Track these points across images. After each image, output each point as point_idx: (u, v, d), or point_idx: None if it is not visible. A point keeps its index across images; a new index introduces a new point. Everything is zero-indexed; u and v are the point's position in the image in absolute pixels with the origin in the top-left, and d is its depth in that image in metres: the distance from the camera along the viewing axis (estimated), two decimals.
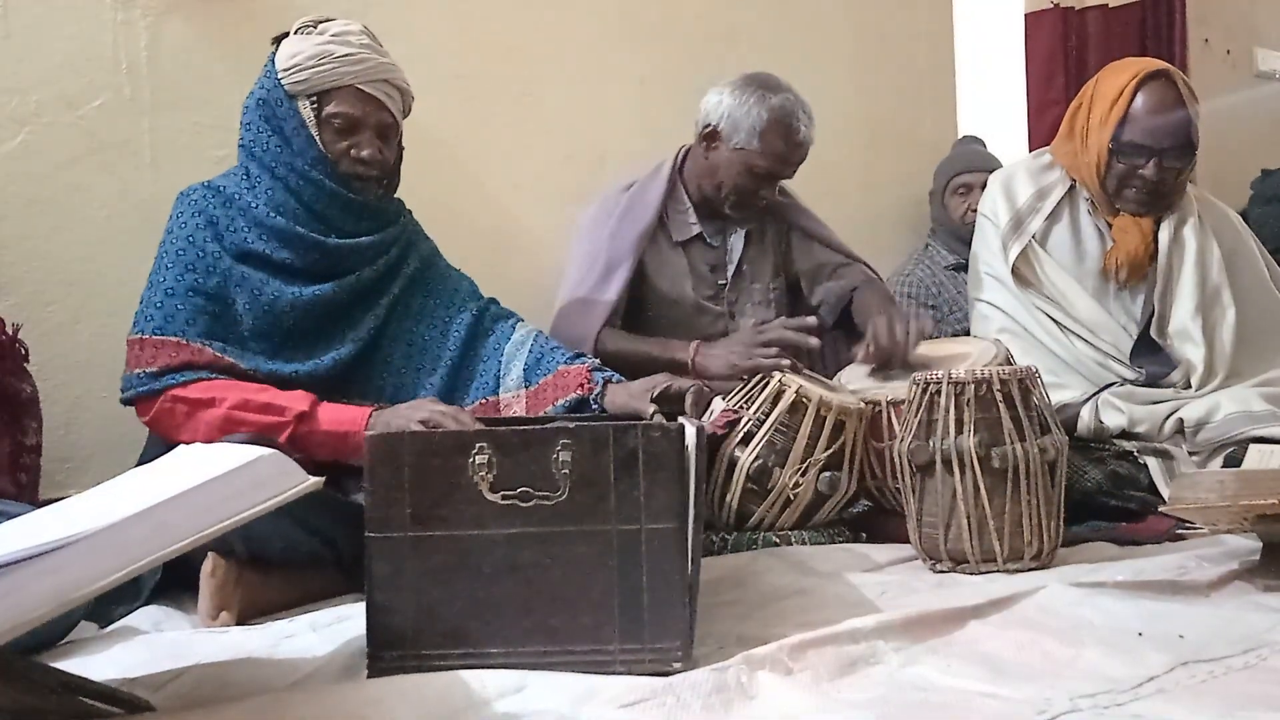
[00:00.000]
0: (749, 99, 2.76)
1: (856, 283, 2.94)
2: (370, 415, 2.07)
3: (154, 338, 2.08)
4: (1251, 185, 4.38)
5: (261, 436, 1.89)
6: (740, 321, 2.88)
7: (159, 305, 2.11)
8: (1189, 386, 2.69)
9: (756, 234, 2.94)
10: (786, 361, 2.40)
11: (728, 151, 2.79)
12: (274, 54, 2.22)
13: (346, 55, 2.21)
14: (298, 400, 2.06)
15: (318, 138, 2.20)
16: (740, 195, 2.82)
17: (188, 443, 1.84)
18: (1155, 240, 2.79)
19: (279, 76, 2.18)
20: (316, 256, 2.20)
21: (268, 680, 1.51)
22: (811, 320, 2.55)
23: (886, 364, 2.52)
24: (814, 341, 2.52)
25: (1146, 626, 1.60)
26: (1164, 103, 2.72)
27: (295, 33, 2.23)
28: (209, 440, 1.92)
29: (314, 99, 2.19)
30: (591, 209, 2.97)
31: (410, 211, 2.42)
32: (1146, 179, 2.73)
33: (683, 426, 1.56)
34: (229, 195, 2.19)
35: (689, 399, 2.11)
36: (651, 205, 2.86)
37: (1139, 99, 2.73)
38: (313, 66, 2.18)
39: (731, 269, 2.91)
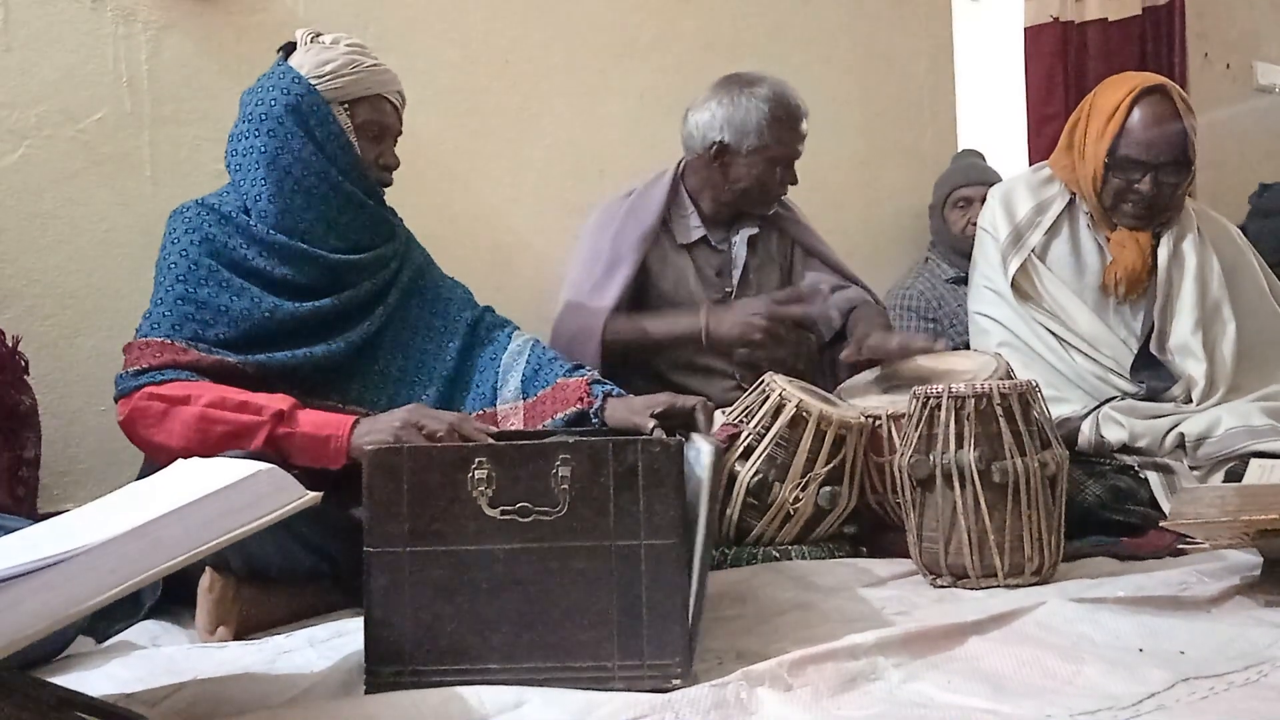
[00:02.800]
0: (741, 100, 2.78)
1: (855, 303, 2.94)
2: (354, 423, 2.00)
3: (140, 340, 2.07)
4: (1250, 199, 4.38)
5: (236, 438, 1.90)
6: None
7: (148, 315, 2.10)
8: (1189, 401, 2.69)
9: (762, 241, 2.94)
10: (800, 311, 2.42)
11: (744, 157, 2.80)
12: (284, 63, 2.20)
13: (373, 65, 2.23)
14: (277, 401, 2.00)
15: (355, 144, 2.21)
16: (765, 189, 2.84)
17: (162, 443, 1.85)
18: (1154, 255, 2.79)
19: (313, 82, 2.17)
20: (317, 272, 2.19)
21: (265, 696, 1.51)
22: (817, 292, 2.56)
23: (888, 376, 2.53)
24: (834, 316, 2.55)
25: (1147, 643, 1.60)
26: (1160, 117, 2.72)
27: (311, 42, 2.23)
28: (184, 438, 1.92)
29: (346, 106, 2.20)
30: (594, 215, 2.98)
31: (402, 220, 2.42)
32: (1143, 193, 2.73)
33: (682, 442, 1.55)
34: (224, 213, 2.16)
35: (699, 413, 2.10)
36: (654, 208, 2.87)
37: (1135, 113, 2.73)
38: (348, 74, 2.19)
39: (737, 274, 2.90)
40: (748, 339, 2.59)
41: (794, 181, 2.89)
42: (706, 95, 2.84)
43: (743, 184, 2.82)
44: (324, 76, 2.17)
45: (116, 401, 2.07)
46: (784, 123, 2.78)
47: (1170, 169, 2.73)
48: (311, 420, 2.01)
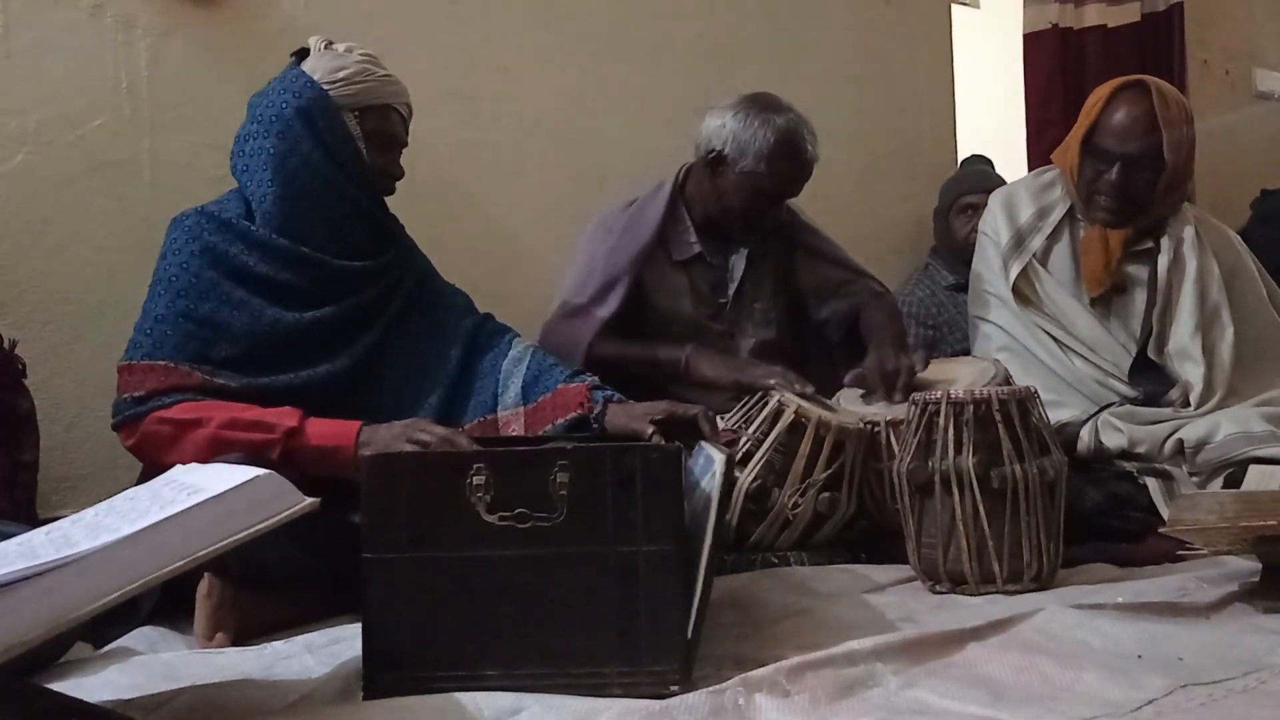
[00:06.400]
0: (754, 122, 2.75)
1: (863, 300, 2.93)
2: (359, 430, 2.04)
3: (142, 363, 2.06)
4: (1251, 205, 4.39)
5: (254, 456, 1.90)
6: (740, 342, 2.88)
7: (148, 332, 2.09)
8: (1187, 405, 2.69)
9: (758, 253, 2.94)
10: (776, 381, 2.40)
11: (735, 175, 2.78)
12: (298, 68, 2.21)
13: (385, 75, 2.25)
14: (286, 416, 2.02)
15: (364, 151, 2.21)
16: (748, 217, 2.82)
17: (175, 464, 1.85)
18: (1123, 255, 2.79)
19: (326, 88, 2.18)
20: (320, 278, 2.19)
21: (263, 702, 1.50)
22: (808, 389, 2.52)
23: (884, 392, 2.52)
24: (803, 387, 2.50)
25: (1146, 649, 1.59)
26: (1132, 110, 2.74)
27: (325, 49, 2.23)
28: (197, 461, 1.91)
29: (356, 113, 2.20)
30: (592, 225, 2.97)
31: (404, 227, 2.42)
32: (1112, 184, 2.74)
33: (680, 449, 1.55)
34: (225, 220, 2.16)
35: (701, 420, 2.10)
36: (651, 223, 2.85)
37: (1110, 105, 2.77)
38: (360, 82, 2.20)
39: (733, 288, 2.90)
40: (725, 382, 2.59)
41: (776, 219, 2.88)
42: (730, 103, 2.82)
43: (726, 201, 2.81)
44: (337, 83, 2.18)
45: (119, 428, 2.07)
46: (783, 160, 2.75)
47: (1140, 161, 2.73)
48: (319, 432, 2.03)
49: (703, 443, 1.92)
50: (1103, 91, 2.81)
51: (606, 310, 2.75)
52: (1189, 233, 2.83)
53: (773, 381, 2.39)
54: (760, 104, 2.79)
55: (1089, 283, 2.81)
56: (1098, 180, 2.76)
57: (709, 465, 1.71)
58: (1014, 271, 2.84)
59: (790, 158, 2.76)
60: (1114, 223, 2.79)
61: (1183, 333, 2.75)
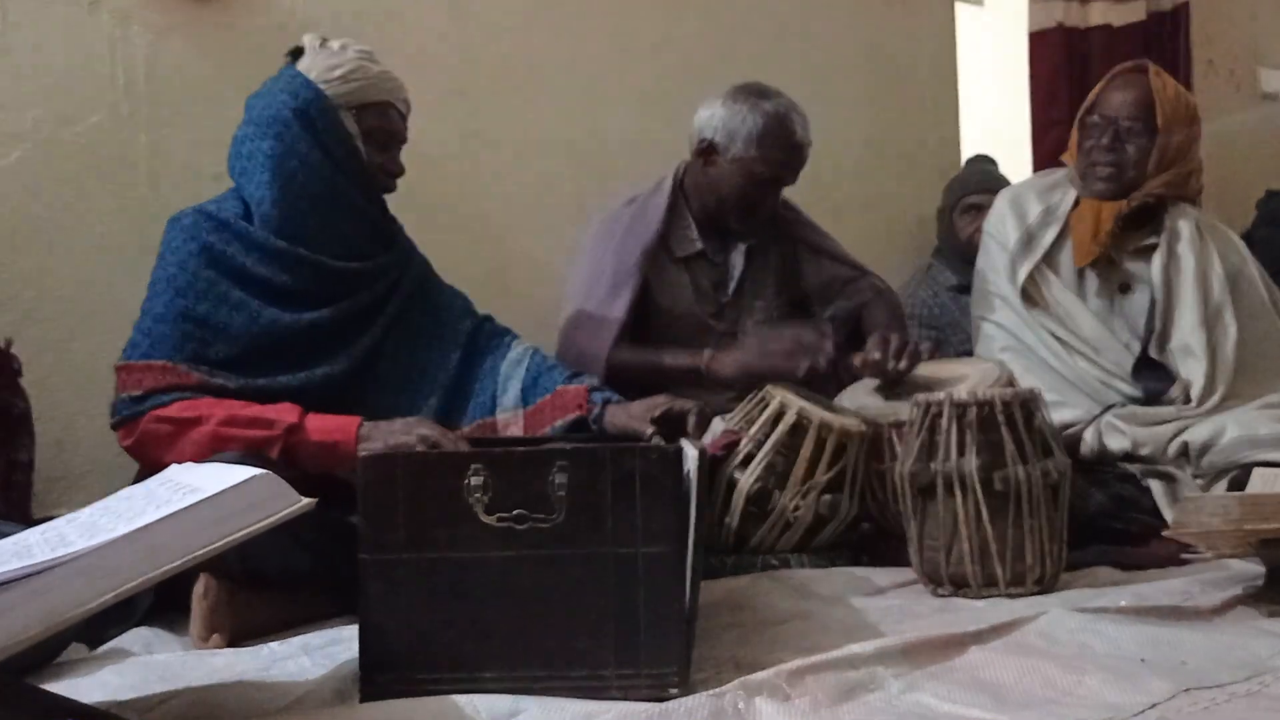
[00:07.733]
0: (742, 108, 2.75)
1: (866, 298, 2.93)
2: (359, 426, 2.03)
3: (140, 362, 2.05)
4: (1257, 206, 4.37)
5: (252, 454, 1.89)
6: (744, 339, 2.86)
7: (147, 332, 2.08)
8: (1188, 402, 2.67)
9: (759, 251, 2.92)
10: (803, 365, 2.39)
11: (726, 163, 2.76)
12: (293, 68, 2.20)
13: (381, 71, 2.24)
14: (286, 412, 2.02)
15: (362, 150, 2.20)
16: (744, 206, 2.80)
17: (175, 464, 1.84)
18: (1114, 228, 2.79)
19: (322, 87, 2.16)
20: (318, 280, 2.19)
21: (260, 703, 1.50)
22: (827, 327, 2.52)
23: (884, 381, 2.50)
24: (829, 347, 2.48)
25: (1149, 653, 1.59)
26: (1127, 84, 2.82)
27: (320, 47, 2.22)
28: (197, 459, 1.89)
29: (353, 112, 2.19)
30: (594, 225, 2.96)
31: (403, 228, 2.41)
32: (1104, 149, 2.78)
33: (680, 449, 1.55)
34: (224, 220, 2.16)
35: (691, 420, 2.10)
36: (654, 221, 2.84)
37: (1108, 84, 2.86)
38: (356, 80, 2.19)
39: (733, 285, 2.89)
40: (750, 376, 2.56)
41: (772, 209, 2.86)
42: (721, 94, 2.82)
43: (720, 191, 2.79)
44: (332, 81, 2.17)
45: (117, 428, 2.07)
46: (773, 143, 2.73)
47: (1131, 126, 2.77)
48: (319, 427, 2.03)
49: (682, 440, 1.92)
50: (1106, 79, 2.90)
51: (619, 311, 2.72)
52: (1186, 229, 2.82)
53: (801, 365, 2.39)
54: (749, 91, 2.79)
55: (1078, 254, 2.81)
56: (1094, 149, 2.80)
57: (687, 462, 1.71)
58: (1024, 271, 2.82)
59: (780, 141, 2.74)
60: (1108, 192, 2.80)
61: (1185, 328, 2.73)
